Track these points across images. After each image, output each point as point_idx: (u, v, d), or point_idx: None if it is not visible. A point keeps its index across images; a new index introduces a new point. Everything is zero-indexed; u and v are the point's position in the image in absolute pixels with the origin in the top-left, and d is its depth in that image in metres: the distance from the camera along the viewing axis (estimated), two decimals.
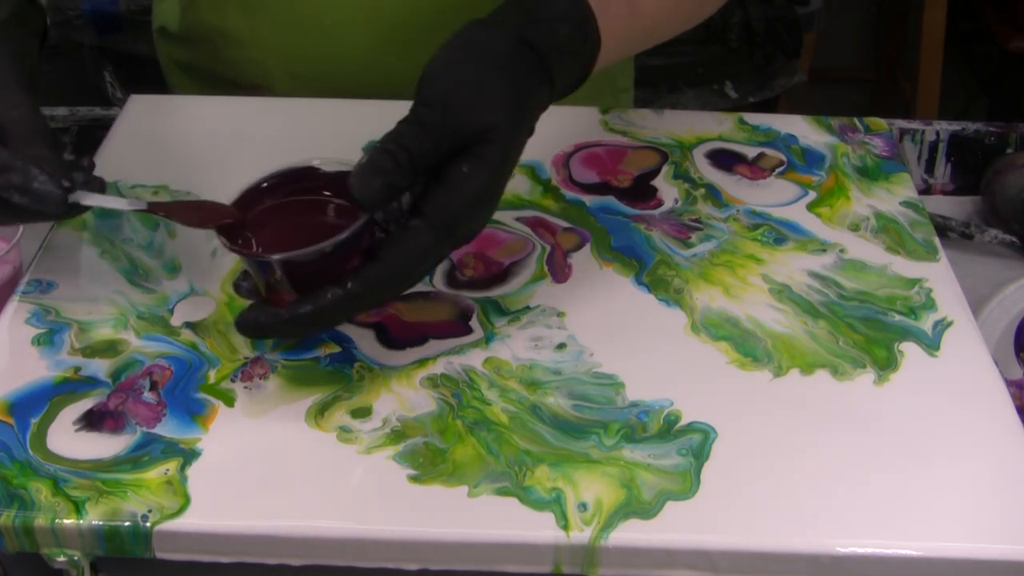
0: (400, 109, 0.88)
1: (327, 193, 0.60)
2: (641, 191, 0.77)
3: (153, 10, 0.95)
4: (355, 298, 0.56)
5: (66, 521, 0.54)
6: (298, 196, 0.60)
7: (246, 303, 0.66)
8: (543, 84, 0.59)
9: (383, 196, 0.55)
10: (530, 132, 0.59)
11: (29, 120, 0.60)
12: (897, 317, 0.67)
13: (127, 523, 0.54)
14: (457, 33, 0.59)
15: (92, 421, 0.59)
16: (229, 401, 0.60)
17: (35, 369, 0.62)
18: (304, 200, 0.60)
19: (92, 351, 0.63)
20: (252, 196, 0.60)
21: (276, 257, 0.55)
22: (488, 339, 0.64)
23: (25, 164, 0.57)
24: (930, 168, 0.96)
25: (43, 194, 0.57)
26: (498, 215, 0.73)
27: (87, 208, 0.59)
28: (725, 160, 0.80)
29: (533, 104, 0.59)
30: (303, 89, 0.87)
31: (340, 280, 0.56)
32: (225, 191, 0.74)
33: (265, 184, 0.60)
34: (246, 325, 0.57)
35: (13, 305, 0.66)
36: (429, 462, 0.57)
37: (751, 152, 0.81)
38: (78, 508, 0.54)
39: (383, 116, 0.86)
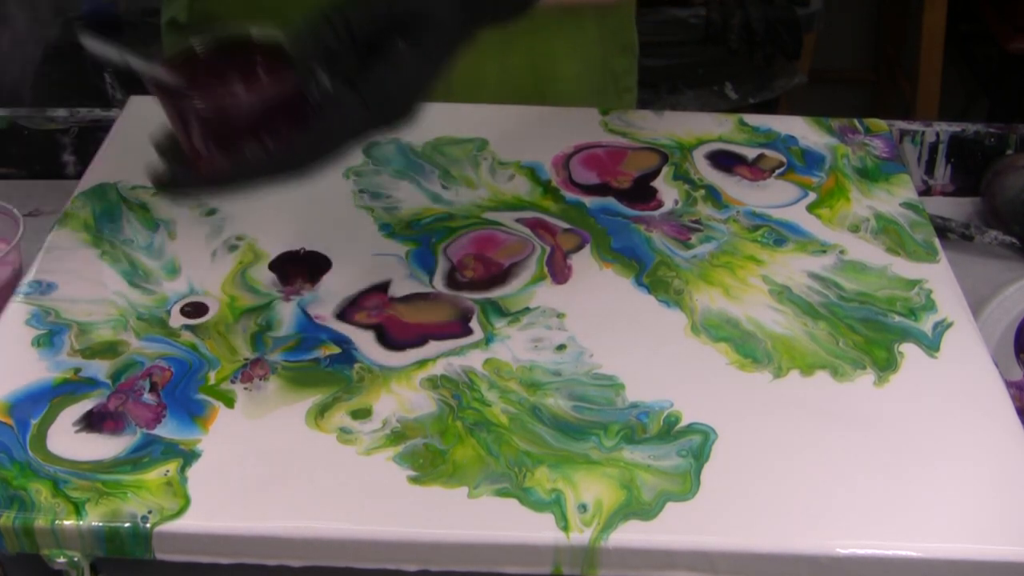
0: None
1: (261, 60, 0.59)
2: (641, 192, 0.77)
3: (163, 3, 0.95)
4: (275, 158, 0.56)
5: (66, 522, 0.54)
6: (231, 62, 0.60)
7: (247, 304, 0.66)
8: None
9: (317, 56, 0.55)
10: (471, 37, 0.59)
11: None
12: (897, 318, 0.67)
13: (127, 524, 0.54)
14: None
15: (92, 422, 0.59)
16: (229, 402, 0.60)
17: (35, 370, 0.62)
18: (236, 63, 0.60)
19: (92, 352, 0.63)
20: (185, 58, 0.59)
21: (194, 96, 0.55)
22: (488, 340, 0.64)
23: None
24: (930, 169, 0.96)
25: None
26: (498, 216, 0.74)
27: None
28: (725, 161, 0.80)
29: (476, 7, 0.59)
30: None
31: (261, 140, 0.56)
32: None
33: (199, 48, 0.60)
34: (160, 180, 0.57)
35: (13, 306, 0.66)
36: (429, 463, 0.57)
37: (751, 153, 0.81)
38: (78, 509, 0.54)
39: None
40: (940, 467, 0.58)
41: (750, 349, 0.64)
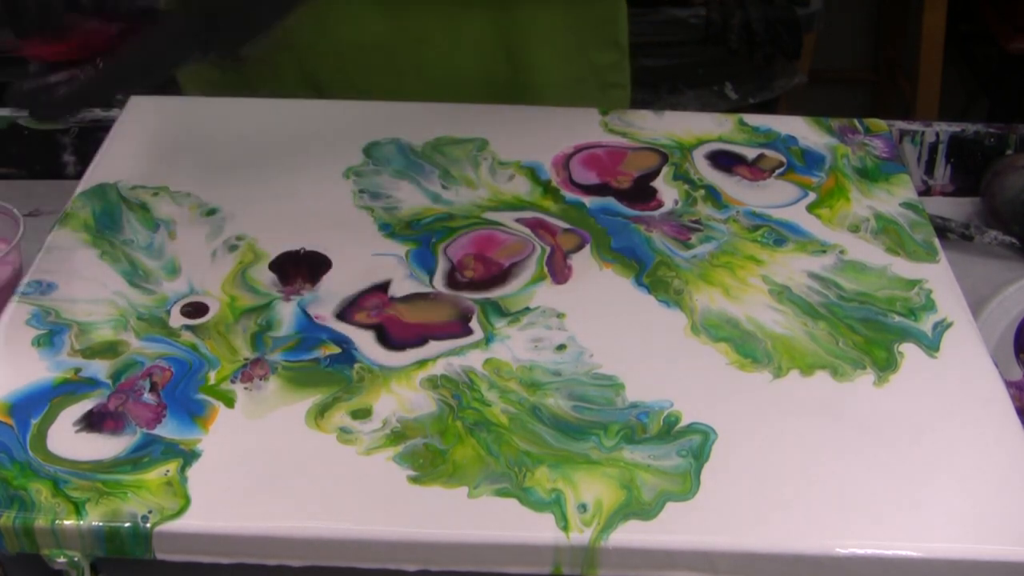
0: (401, 109, 0.88)
1: None
2: (641, 192, 0.77)
3: None
4: (108, 76, 0.58)
5: (66, 522, 0.54)
6: None
7: (247, 304, 0.67)
8: None
9: None
10: None
11: None
12: (897, 318, 0.67)
13: (127, 524, 0.54)
14: None
15: (92, 422, 0.59)
16: (229, 402, 0.60)
17: (35, 370, 0.62)
18: None
19: (92, 352, 0.63)
20: None
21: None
22: (488, 340, 0.64)
23: None
24: (930, 169, 0.96)
25: None
26: (498, 216, 0.74)
27: None
28: (725, 161, 0.80)
29: None
30: (306, 81, 0.87)
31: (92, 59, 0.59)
32: (226, 193, 0.74)
33: None
34: (14, 95, 0.61)
35: (13, 306, 0.66)
36: (429, 463, 0.57)
37: (751, 153, 0.81)
38: (78, 509, 0.54)
39: (383, 116, 0.86)
40: (940, 467, 0.58)
41: (750, 349, 0.64)
